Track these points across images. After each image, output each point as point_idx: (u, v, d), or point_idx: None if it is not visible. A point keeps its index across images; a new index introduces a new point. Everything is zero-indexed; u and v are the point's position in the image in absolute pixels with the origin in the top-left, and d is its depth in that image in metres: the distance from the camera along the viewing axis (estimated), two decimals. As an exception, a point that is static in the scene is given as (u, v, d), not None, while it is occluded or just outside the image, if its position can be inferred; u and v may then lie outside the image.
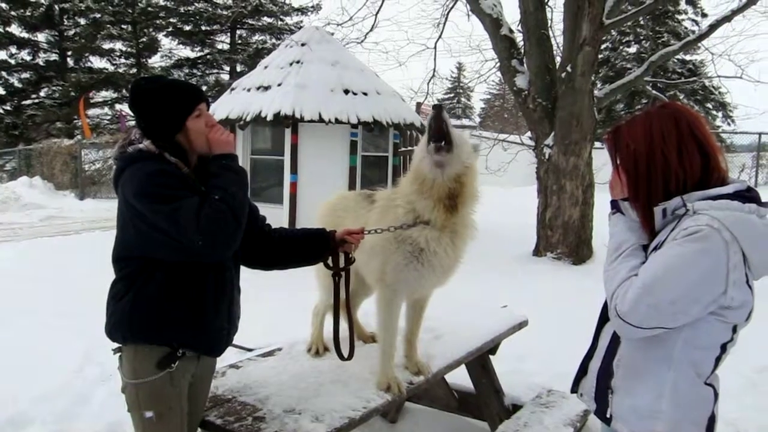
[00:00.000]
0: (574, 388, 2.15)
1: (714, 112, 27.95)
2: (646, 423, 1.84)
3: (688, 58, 26.43)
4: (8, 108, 28.74)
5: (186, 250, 2.08)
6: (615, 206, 2.02)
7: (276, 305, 6.43)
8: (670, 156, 1.81)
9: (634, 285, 1.75)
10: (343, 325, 2.88)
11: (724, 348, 1.81)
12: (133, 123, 2.40)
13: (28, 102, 29.28)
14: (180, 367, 2.25)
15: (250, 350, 4.90)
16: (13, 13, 27.46)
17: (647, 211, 1.86)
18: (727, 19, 9.93)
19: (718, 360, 1.82)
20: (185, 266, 2.20)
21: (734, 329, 1.80)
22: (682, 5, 27.78)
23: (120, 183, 2.19)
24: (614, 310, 1.79)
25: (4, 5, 27.20)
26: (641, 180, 1.86)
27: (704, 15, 26.26)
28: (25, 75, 29.07)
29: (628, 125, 1.94)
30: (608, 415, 1.95)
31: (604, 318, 2.04)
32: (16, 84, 28.86)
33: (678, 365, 1.80)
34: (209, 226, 2.03)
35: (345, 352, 2.86)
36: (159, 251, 2.15)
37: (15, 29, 27.95)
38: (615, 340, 1.95)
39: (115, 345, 2.31)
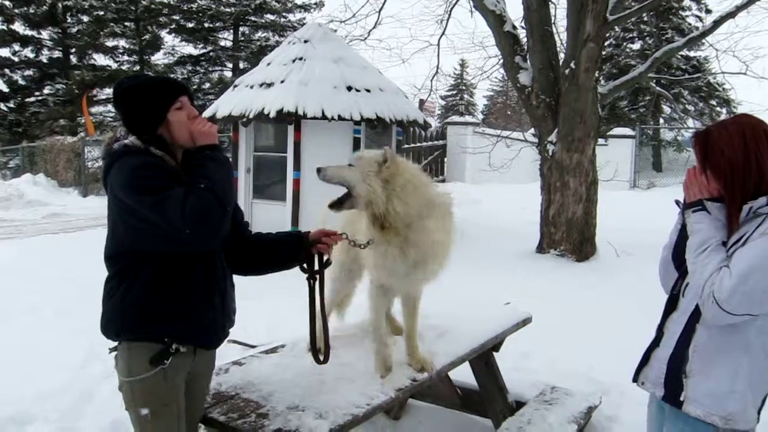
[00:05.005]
0: (635, 378, 2.37)
1: (718, 109, 27.77)
2: (721, 404, 2.06)
3: (692, 54, 26.24)
4: (12, 105, 28.70)
5: (174, 240, 2.09)
6: (693, 205, 2.16)
7: (279, 303, 6.43)
8: (765, 163, 2.05)
9: (730, 274, 1.95)
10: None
11: None
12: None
13: (32, 99, 29.22)
14: (174, 363, 2.26)
15: (253, 347, 4.90)
16: (16, 10, 27.41)
17: (737, 211, 2.08)
18: (731, 15, 9.86)
19: None
20: (174, 259, 2.21)
21: None
22: (686, 1, 27.64)
23: (108, 179, 2.20)
24: (711, 297, 1.98)
25: (7, 3, 27.11)
26: (737, 184, 2.07)
27: (708, 11, 26.07)
28: (29, 72, 29.00)
29: (718, 131, 2.13)
30: (681, 399, 2.14)
31: (669, 309, 2.28)
32: (20, 81, 28.77)
33: (752, 349, 2.05)
34: (195, 215, 2.04)
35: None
36: (148, 244, 2.16)
37: (18, 27, 27.86)
38: (688, 328, 2.15)
39: (112, 344, 2.32)
